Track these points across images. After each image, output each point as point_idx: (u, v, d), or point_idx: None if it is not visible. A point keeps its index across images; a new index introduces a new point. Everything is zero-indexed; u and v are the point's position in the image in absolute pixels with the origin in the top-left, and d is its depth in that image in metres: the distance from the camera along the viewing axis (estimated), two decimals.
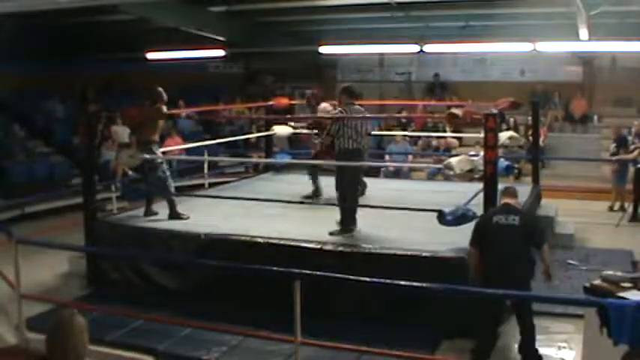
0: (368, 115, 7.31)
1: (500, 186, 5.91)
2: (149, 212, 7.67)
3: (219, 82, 17.72)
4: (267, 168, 11.23)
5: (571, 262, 7.73)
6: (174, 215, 7.50)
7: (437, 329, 5.56)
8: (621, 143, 10.87)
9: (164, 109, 7.64)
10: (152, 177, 7.57)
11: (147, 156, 7.42)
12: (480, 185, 6.19)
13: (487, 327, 5.08)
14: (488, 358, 5.03)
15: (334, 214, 7.25)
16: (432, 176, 12.28)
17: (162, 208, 7.62)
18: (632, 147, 10.67)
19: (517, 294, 4.80)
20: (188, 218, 7.47)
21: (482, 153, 6.33)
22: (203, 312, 5.84)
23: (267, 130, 10.81)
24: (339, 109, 6.90)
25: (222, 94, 16.50)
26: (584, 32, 11.55)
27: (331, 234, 6.65)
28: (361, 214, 7.28)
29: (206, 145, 11.07)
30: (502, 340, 5.29)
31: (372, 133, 14.48)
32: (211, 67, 17.59)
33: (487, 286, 4.88)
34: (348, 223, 6.73)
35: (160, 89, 7.61)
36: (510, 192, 5.42)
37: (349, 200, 6.77)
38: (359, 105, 7.02)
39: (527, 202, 8.23)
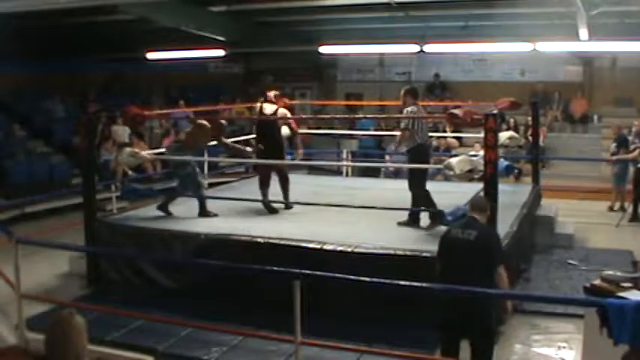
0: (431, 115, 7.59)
1: (505, 185, 5.88)
2: (164, 209, 7.67)
3: (219, 82, 17.73)
4: None
5: (571, 262, 7.73)
6: (203, 213, 7.59)
7: (437, 329, 5.55)
8: (621, 143, 10.88)
9: None
10: (182, 173, 7.66)
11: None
12: (480, 185, 6.18)
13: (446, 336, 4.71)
14: None
15: (334, 214, 7.27)
16: (432, 176, 12.26)
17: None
18: (632, 147, 10.68)
19: (518, 294, 4.76)
20: (216, 216, 7.57)
21: (482, 153, 6.33)
22: (203, 312, 5.85)
23: None
24: (411, 108, 7.05)
25: (222, 94, 16.50)
26: (584, 32, 11.55)
27: (399, 224, 7.02)
28: (361, 215, 7.30)
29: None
30: (501, 341, 5.29)
31: (372, 133, 14.63)
32: (211, 67, 17.58)
33: (441, 303, 4.57)
34: (416, 215, 7.06)
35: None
36: (476, 205, 4.82)
37: (420, 194, 7.03)
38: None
39: (528, 202, 8.25)
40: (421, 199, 7.01)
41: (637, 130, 11.09)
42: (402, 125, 7.04)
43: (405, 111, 7.09)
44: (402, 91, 7.26)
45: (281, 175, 8.08)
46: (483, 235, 4.53)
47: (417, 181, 7.04)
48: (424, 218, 7.02)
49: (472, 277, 4.35)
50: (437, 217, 6.74)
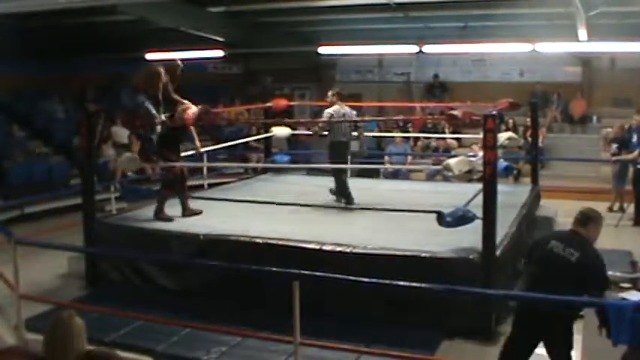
0: (354, 118, 8.34)
1: (504, 185, 5.86)
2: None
3: (219, 82, 17.72)
4: (266, 169, 11.23)
5: None
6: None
7: (437, 329, 5.56)
8: (622, 144, 10.87)
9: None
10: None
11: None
12: (479, 186, 6.18)
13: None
14: None
15: (332, 215, 7.28)
16: (431, 177, 12.28)
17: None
18: (634, 140, 10.56)
19: (519, 295, 4.74)
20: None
21: (481, 154, 6.33)
22: (203, 312, 5.85)
23: (266, 131, 10.83)
24: (330, 110, 7.85)
25: (222, 95, 16.50)
26: (583, 33, 11.56)
27: (331, 190, 8.17)
28: (360, 215, 7.30)
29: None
30: (500, 341, 5.27)
31: (372, 134, 14.61)
32: (210, 67, 17.58)
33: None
34: (342, 196, 8.05)
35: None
36: (581, 219, 4.41)
37: (339, 181, 8.08)
38: (348, 106, 8.13)
39: (527, 202, 8.25)
40: (339, 186, 8.04)
41: (637, 124, 11.07)
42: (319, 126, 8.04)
43: (324, 112, 7.93)
44: (330, 93, 8.09)
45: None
46: (586, 261, 4.21)
47: (336, 171, 8.07)
48: None
49: (560, 293, 4.12)
50: (346, 197, 7.97)
